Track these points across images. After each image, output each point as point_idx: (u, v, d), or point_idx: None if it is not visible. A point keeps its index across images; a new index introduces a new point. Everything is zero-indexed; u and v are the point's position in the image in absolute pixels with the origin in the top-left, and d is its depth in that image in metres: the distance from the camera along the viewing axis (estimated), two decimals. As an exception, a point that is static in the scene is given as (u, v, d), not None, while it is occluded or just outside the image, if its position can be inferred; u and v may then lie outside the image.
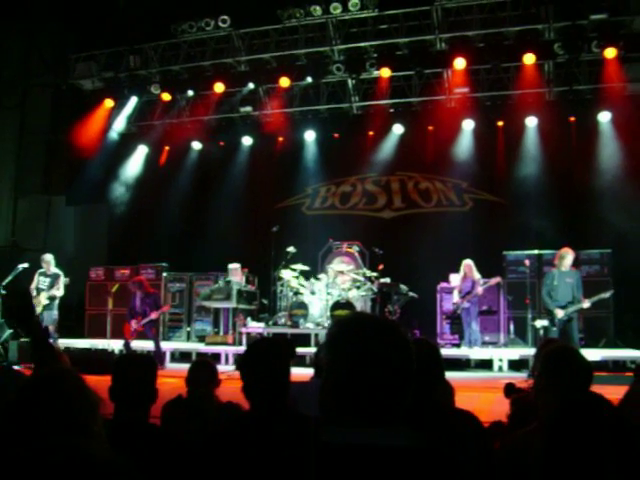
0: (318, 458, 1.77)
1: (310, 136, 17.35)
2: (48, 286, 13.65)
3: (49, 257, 13.96)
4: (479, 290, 13.55)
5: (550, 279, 11.54)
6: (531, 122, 15.51)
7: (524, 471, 2.56)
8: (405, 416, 1.84)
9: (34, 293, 13.69)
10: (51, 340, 13.64)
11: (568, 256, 11.47)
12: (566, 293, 11.34)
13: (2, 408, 2.02)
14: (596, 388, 3.17)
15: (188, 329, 16.59)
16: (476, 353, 13.44)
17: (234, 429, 3.03)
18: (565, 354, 3.39)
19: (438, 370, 3.34)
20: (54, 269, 13.89)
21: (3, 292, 14.42)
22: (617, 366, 12.48)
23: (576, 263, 13.42)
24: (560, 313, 11.20)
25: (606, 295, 11.75)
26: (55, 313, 13.70)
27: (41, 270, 13.88)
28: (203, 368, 5.08)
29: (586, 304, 11.30)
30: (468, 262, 13.70)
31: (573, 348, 3.80)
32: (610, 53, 13.89)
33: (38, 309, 13.63)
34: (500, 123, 15.89)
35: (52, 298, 13.64)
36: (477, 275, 13.65)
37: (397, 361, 1.83)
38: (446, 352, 13.81)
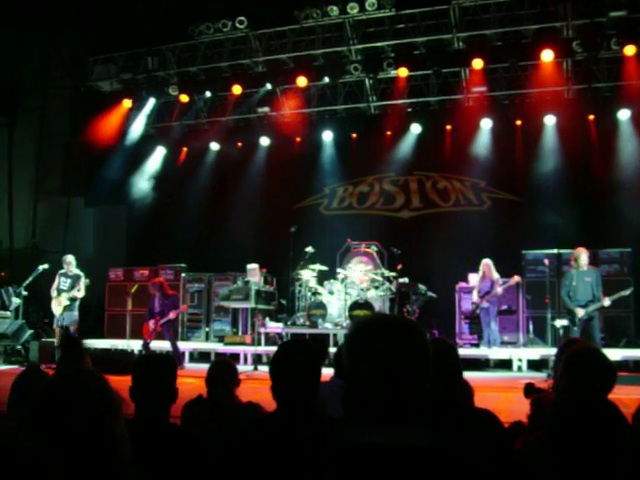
0: (338, 458, 1.78)
1: (328, 136, 17.36)
2: (69, 287, 13.72)
3: (70, 258, 14.01)
4: (498, 290, 13.49)
5: (569, 279, 11.48)
6: (550, 120, 15.43)
7: (541, 472, 2.56)
8: (424, 416, 1.85)
9: (55, 294, 13.78)
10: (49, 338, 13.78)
11: (582, 255, 11.41)
12: (586, 292, 11.27)
13: (27, 408, 2.04)
14: (617, 388, 3.16)
15: (207, 329, 16.64)
16: (495, 353, 13.38)
17: (258, 429, 3.02)
18: (588, 355, 3.36)
19: (456, 370, 3.33)
20: (75, 270, 13.95)
21: (24, 293, 14.56)
22: (638, 366, 12.37)
23: (596, 262, 13.37)
24: (581, 312, 11.14)
25: (626, 293, 11.65)
26: (76, 314, 13.76)
27: (62, 271, 13.95)
28: (223, 368, 5.07)
29: (606, 302, 11.21)
30: (487, 261, 13.64)
31: (597, 349, 3.77)
32: (629, 50, 13.77)
33: (59, 309, 13.71)
34: (518, 122, 15.80)
35: (73, 299, 13.70)
36: (496, 275, 13.59)
37: (414, 360, 1.85)
38: (465, 352, 13.77)
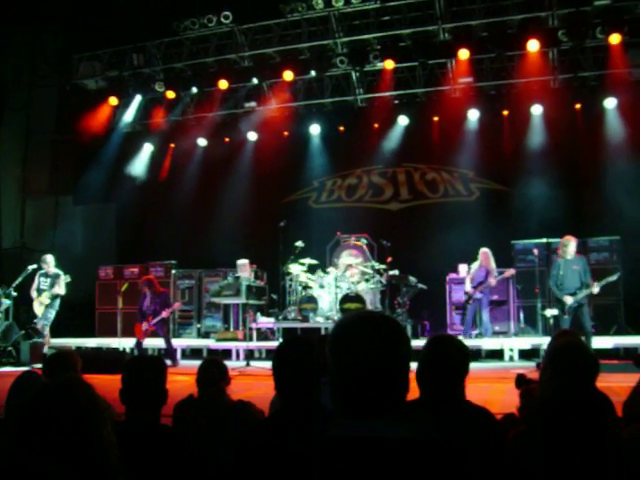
0: (324, 452, 1.83)
1: (315, 130, 17.35)
2: (49, 286, 13.81)
3: (49, 258, 14.17)
4: (492, 281, 13.44)
5: (556, 269, 11.48)
6: (536, 110, 15.46)
7: (530, 464, 2.58)
8: (427, 413, 1.90)
9: (35, 294, 13.84)
10: (39, 339, 13.71)
11: (570, 243, 11.43)
12: (573, 280, 11.29)
13: (16, 414, 2.04)
14: (607, 376, 3.19)
15: (198, 325, 16.65)
16: (487, 343, 13.41)
17: (265, 428, 3.02)
18: (571, 349, 3.40)
19: (463, 370, 3.31)
20: (54, 269, 14.07)
21: (14, 294, 14.50)
22: (628, 353, 12.43)
23: (585, 250, 13.43)
24: (569, 300, 11.15)
25: (613, 278, 11.63)
26: (53, 312, 13.83)
27: (42, 271, 14.04)
28: (213, 367, 5.05)
29: (596, 289, 11.22)
30: (485, 250, 13.57)
31: (580, 344, 3.80)
32: (614, 39, 13.78)
33: (41, 309, 13.75)
34: (505, 112, 15.83)
35: (54, 297, 13.80)
36: (493, 265, 13.56)
37: (394, 356, 1.90)
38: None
